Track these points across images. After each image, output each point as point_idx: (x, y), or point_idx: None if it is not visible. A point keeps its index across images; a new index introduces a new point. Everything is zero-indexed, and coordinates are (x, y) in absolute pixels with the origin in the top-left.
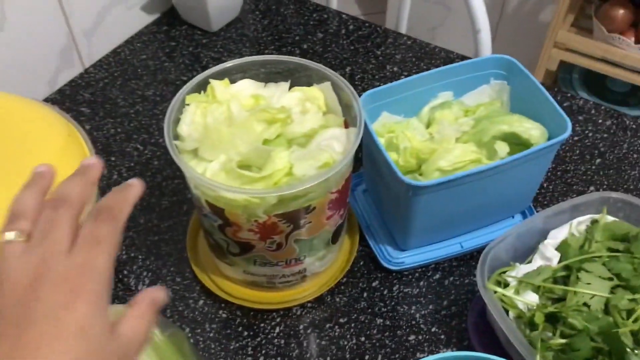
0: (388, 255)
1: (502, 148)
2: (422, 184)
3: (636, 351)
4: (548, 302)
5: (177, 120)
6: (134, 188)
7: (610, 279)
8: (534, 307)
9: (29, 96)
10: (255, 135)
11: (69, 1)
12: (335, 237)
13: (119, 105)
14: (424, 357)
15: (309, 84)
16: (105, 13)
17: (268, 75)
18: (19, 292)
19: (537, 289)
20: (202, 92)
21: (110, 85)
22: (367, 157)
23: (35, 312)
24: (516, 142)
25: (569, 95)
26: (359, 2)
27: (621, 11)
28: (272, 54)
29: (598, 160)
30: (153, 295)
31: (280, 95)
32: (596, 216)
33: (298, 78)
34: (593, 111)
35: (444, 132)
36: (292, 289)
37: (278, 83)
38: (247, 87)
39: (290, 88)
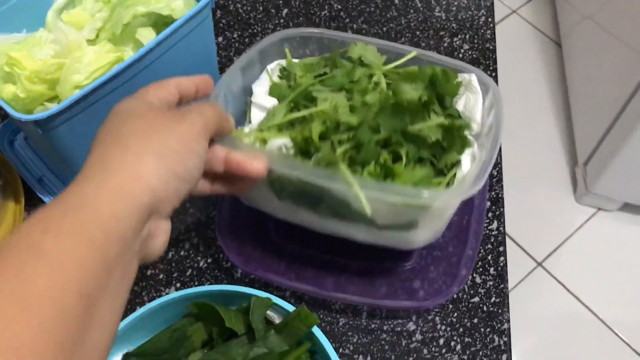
0: None
1: (146, 35)
2: (41, 116)
3: None
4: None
5: None
6: None
7: (340, 90)
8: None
9: None
10: None
11: None
12: None
13: None
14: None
15: None
16: None
17: None
18: None
19: (279, 134)
20: None
21: None
22: None
23: None
24: (166, 23)
25: None
26: None
27: None
28: None
29: (285, 11)
30: None
31: None
32: (282, 62)
33: None
34: None
35: (67, 39)
36: None
37: None
38: None
39: None
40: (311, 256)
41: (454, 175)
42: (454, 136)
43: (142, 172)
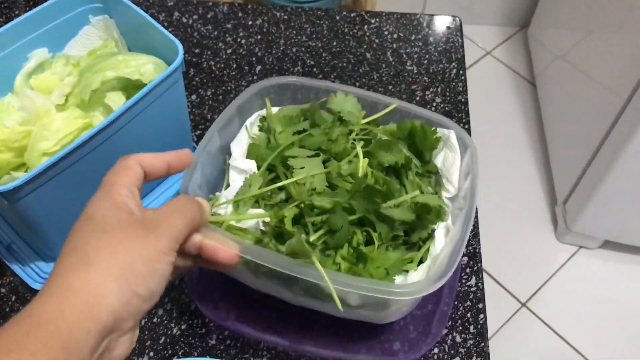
0: (41, 271)
1: (116, 100)
2: (6, 187)
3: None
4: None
5: None
6: None
7: (317, 155)
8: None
9: None
10: None
11: None
12: None
13: None
14: None
15: None
16: None
17: None
18: None
19: (256, 204)
20: None
21: None
22: None
23: None
24: (137, 86)
25: (210, 3)
26: None
27: None
28: None
29: (259, 68)
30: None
31: None
32: (262, 112)
33: None
34: (240, 14)
35: (34, 106)
36: None
37: None
38: None
39: None
40: (285, 308)
41: (427, 249)
42: (429, 210)
43: (103, 294)
